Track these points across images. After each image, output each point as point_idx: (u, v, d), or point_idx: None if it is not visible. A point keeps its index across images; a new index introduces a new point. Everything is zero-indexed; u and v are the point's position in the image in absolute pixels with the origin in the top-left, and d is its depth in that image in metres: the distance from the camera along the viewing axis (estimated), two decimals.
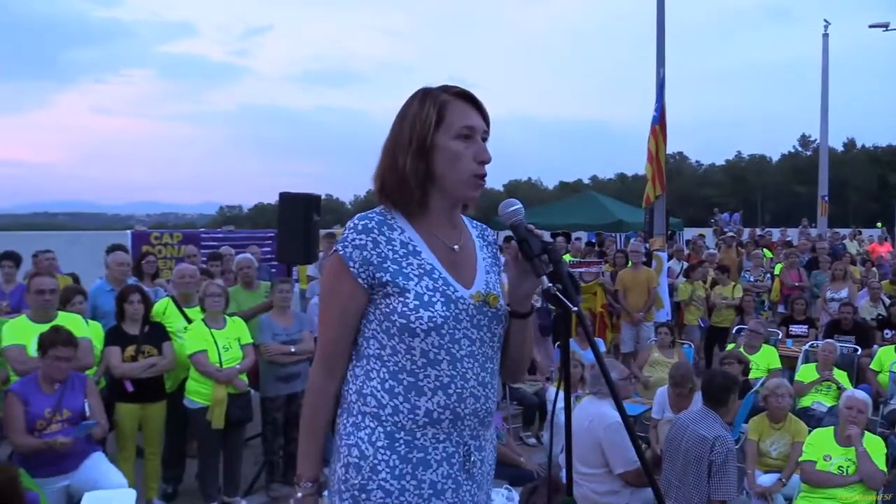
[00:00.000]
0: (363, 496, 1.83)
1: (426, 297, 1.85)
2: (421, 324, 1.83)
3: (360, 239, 1.87)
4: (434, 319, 1.83)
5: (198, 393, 5.46)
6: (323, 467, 1.99)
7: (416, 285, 1.85)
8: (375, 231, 1.88)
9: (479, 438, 1.96)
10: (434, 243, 1.93)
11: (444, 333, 1.85)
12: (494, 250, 2.11)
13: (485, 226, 2.14)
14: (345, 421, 1.91)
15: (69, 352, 4.55)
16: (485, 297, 1.94)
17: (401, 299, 1.84)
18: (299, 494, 1.91)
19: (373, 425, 1.86)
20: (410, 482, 1.84)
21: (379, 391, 1.87)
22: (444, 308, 1.85)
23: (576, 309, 1.77)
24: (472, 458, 1.94)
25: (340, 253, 1.89)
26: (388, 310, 1.86)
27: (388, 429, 1.85)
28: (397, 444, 1.84)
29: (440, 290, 1.87)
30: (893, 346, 7.68)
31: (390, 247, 1.88)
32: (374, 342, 1.90)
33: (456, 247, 1.96)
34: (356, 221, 1.91)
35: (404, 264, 1.87)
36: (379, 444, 1.84)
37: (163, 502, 5.66)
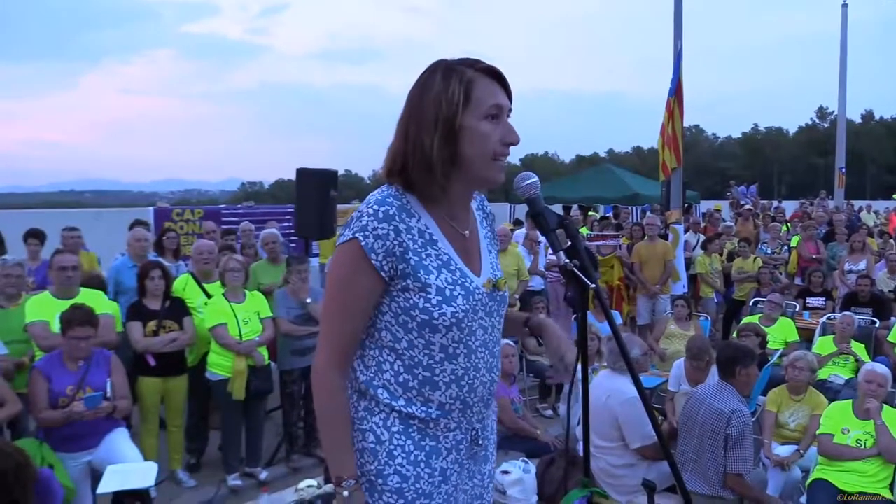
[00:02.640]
0: (380, 481, 1.80)
1: (448, 292, 1.77)
2: (444, 320, 1.76)
3: (382, 227, 1.72)
4: (456, 314, 1.77)
5: (219, 365, 5.56)
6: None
7: (436, 279, 1.76)
8: (396, 218, 1.74)
9: (484, 419, 1.96)
10: (448, 231, 1.84)
11: (464, 327, 1.79)
12: (492, 222, 2.05)
13: (482, 196, 2.05)
14: (356, 404, 1.86)
15: (88, 331, 4.58)
16: (494, 282, 1.90)
17: (422, 294, 1.75)
18: (345, 493, 1.76)
19: (387, 411, 1.82)
20: (425, 469, 1.82)
21: (392, 384, 1.81)
22: (465, 301, 1.79)
23: (593, 285, 1.73)
24: (480, 442, 1.94)
25: (362, 243, 1.72)
26: (407, 304, 1.76)
27: (402, 416, 1.82)
28: (411, 430, 1.82)
29: (459, 282, 1.80)
30: None
31: (410, 236, 1.76)
32: (388, 334, 1.81)
33: (466, 232, 1.89)
34: (375, 207, 1.75)
35: (423, 255, 1.77)
36: (394, 429, 1.81)
37: (186, 473, 5.77)
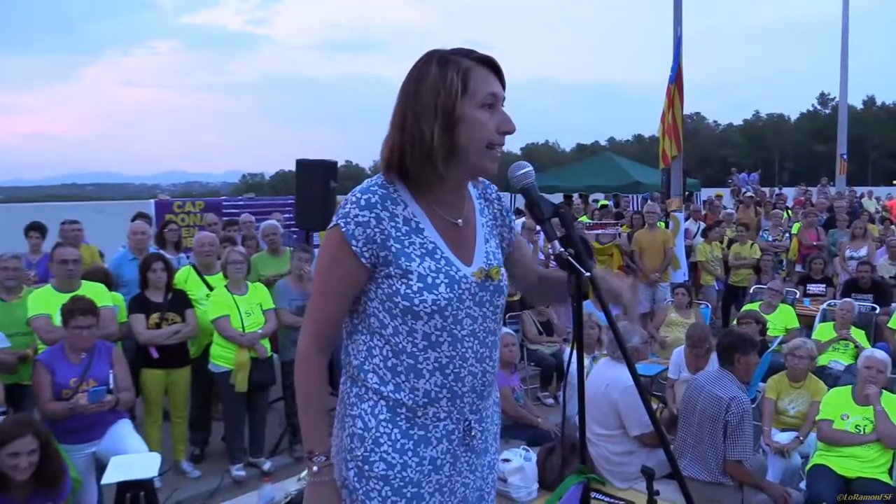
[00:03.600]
0: (366, 467, 1.82)
1: (429, 280, 1.78)
2: (425, 307, 1.77)
3: (363, 215, 1.75)
4: (438, 302, 1.77)
5: (222, 357, 5.59)
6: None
7: (418, 266, 1.78)
8: (379, 206, 1.76)
9: (480, 411, 1.94)
10: (437, 219, 1.84)
11: (448, 315, 1.80)
12: (497, 208, 2.04)
13: (487, 182, 2.03)
14: (349, 390, 1.89)
15: (89, 320, 4.60)
16: (487, 272, 1.89)
17: (404, 281, 1.77)
18: (315, 468, 1.82)
19: (375, 398, 1.84)
20: (412, 458, 1.83)
21: (381, 368, 1.83)
22: (448, 290, 1.79)
23: (587, 273, 1.72)
24: (473, 432, 1.92)
25: (343, 229, 1.76)
26: (390, 291, 1.78)
27: (390, 404, 1.83)
28: (399, 419, 1.83)
29: (443, 270, 1.80)
30: None
31: (393, 223, 1.78)
32: (375, 320, 1.83)
33: (459, 221, 1.88)
34: (358, 195, 1.78)
35: (407, 243, 1.78)
36: (381, 416, 1.83)
37: (190, 464, 5.81)
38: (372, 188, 1.79)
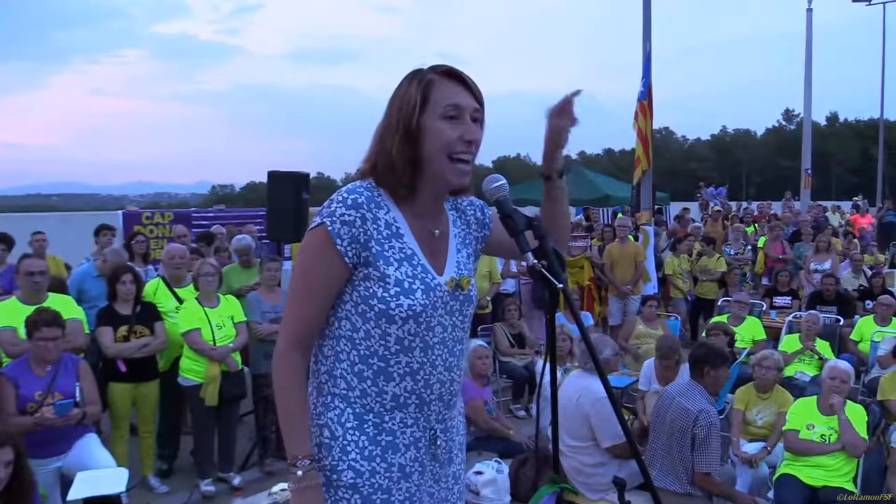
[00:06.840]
0: (334, 476, 1.83)
1: (406, 284, 1.80)
2: (401, 311, 1.79)
3: (350, 215, 1.77)
4: (413, 307, 1.80)
5: (192, 371, 5.52)
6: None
7: (395, 270, 1.80)
8: (364, 207, 1.79)
9: (445, 420, 1.96)
10: (416, 227, 1.87)
11: (421, 322, 1.82)
12: (470, 214, 2.07)
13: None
14: (315, 400, 1.90)
15: (55, 332, 4.53)
16: (458, 281, 1.92)
17: (381, 284, 1.79)
18: (300, 473, 1.78)
19: (342, 406, 1.85)
20: (381, 464, 1.84)
21: (348, 373, 1.84)
22: (424, 296, 1.82)
23: (561, 286, 1.72)
24: (438, 442, 1.93)
25: (329, 228, 1.77)
26: (366, 293, 1.80)
27: (357, 410, 1.84)
28: (366, 426, 1.84)
29: (419, 277, 1.83)
30: (874, 317, 7.82)
31: (376, 226, 1.80)
32: (347, 323, 1.84)
33: (437, 231, 1.92)
34: (345, 195, 1.80)
35: (387, 246, 1.81)
36: (348, 425, 1.84)
37: (158, 479, 5.72)
38: (359, 189, 1.82)
